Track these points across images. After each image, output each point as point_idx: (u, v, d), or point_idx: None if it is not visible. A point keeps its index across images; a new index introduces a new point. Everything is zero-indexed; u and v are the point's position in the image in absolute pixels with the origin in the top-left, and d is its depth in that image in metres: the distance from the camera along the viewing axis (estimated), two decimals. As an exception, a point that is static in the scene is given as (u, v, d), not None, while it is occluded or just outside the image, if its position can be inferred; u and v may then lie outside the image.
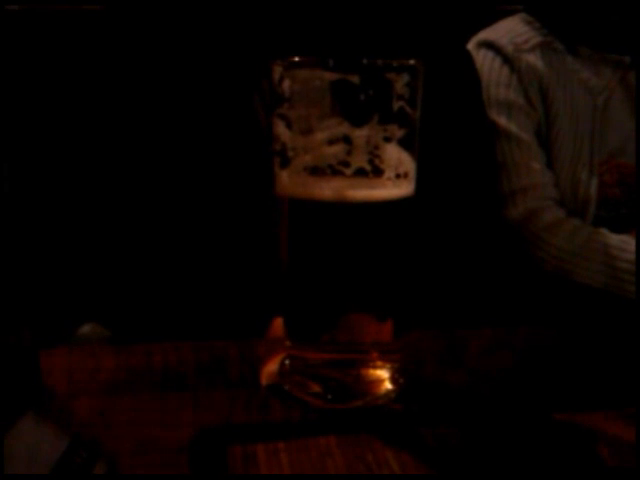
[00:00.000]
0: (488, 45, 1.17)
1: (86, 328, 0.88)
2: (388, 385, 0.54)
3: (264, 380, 0.56)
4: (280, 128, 0.51)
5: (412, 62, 0.50)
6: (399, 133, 0.50)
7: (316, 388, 0.53)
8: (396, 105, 0.49)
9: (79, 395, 0.54)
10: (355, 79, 0.48)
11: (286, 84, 0.50)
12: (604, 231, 1.09)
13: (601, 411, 0.52)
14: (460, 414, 0.53)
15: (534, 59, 1.14)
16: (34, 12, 1.34)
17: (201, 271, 1.06)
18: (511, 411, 0.53)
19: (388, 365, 0.54)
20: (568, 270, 1.07)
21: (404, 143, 0.51)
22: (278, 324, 0.57)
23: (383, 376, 0.54)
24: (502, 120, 1.13)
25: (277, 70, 0.51)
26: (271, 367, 0.57)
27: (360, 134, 0.49)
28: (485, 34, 1.20)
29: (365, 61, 0.49)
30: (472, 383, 0.58)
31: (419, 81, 0.51)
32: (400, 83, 0.49)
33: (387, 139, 0.50)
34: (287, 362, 0.56)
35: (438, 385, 0.57)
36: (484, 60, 1.16)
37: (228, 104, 1.06)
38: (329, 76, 0.49)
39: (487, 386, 0.57)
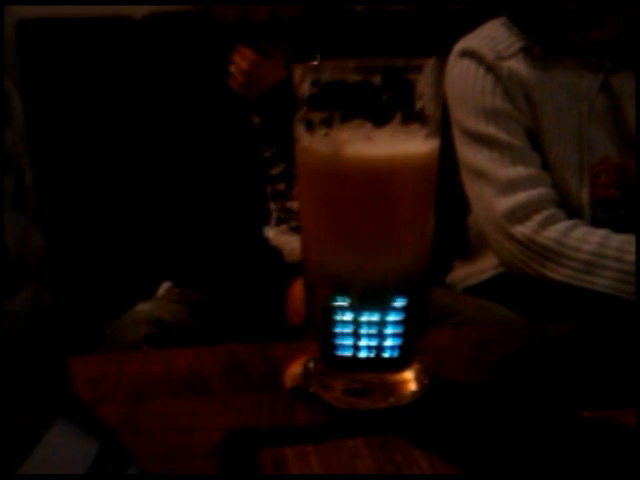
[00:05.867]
0: (470, 54, 1.15)
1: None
2: (412, 386, 0.54)
3: (288, 383, 0.56)
4: (301, 131, 0.51)
5: (432, 61, 0.50)
6: (421, 132, 0.50)
7: (341, 390, 0.53)
8: (418, 104, 0.49)
9: (104, 402, 0.54)
10: (376, 80, 0.48)
11: (306, 87, 0.50)
12: (606, 233, 1.05)
13: (631, 407, 0.52)
14: (483, 413, 0.53)
15: (516, 65, 1.12)
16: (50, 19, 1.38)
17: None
18: (539, 408, 0.53)
19: (412, 366, 0.54)
20: (580, 285, 1.04)
21: (426, 142, 0.51)
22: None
23: (407, 377, 0.54)
24: (491, 129, 1.11)
25: (297, 73, 0.51)
26: (295, 369, 0.57)
27: (382, 134, 0.49)
28: (467, 42, 1.18)
29: (386, 62, 0.49)
30: (495, 382, 0.58)
31: (440, 79, 0.51)
32: (421, 82, 0.49)
33: (409, 138, 0.50)
34: (311, 364, 0.55)
35: (462, 384, 0.57)
36: (468, 69, 1.14)
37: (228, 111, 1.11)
38: (350, 78, 0.49)
39: (510, 384, 0.57)
